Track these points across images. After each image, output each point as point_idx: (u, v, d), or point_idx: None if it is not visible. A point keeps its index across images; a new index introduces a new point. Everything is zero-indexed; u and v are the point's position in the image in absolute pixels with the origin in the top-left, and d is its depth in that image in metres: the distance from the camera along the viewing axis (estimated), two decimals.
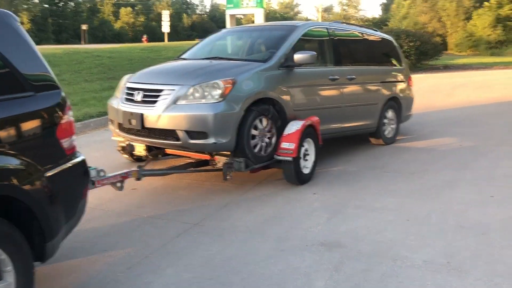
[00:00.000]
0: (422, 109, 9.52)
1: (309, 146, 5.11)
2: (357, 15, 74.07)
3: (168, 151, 5.20)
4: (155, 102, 4.51)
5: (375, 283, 2.94)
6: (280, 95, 4.91)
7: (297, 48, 5.21)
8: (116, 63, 15.57)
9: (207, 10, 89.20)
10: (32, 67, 2.66)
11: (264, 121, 4.75)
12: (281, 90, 4.95)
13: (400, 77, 7.23)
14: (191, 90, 4.44)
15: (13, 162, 2.35)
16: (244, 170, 4.59)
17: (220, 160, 4.70)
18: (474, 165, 5.69)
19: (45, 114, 2.63)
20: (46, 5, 58.35)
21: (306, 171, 5.02)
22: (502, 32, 39.12)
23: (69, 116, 2.81)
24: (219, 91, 4.40)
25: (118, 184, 4.18)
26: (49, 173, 2.57)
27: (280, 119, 4.91)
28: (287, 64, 5.05)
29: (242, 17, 44.39)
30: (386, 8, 68.03)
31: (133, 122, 4.60)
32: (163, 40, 39.17)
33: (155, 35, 59.61)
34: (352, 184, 5.01)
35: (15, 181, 2.32)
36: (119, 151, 5.47)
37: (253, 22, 27.43)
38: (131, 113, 4.62)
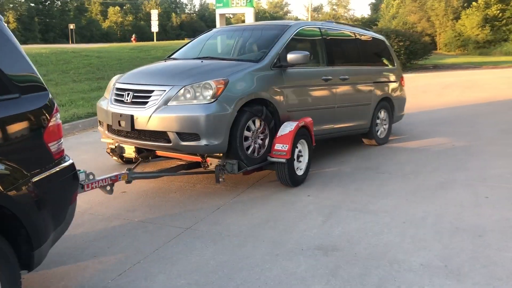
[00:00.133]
0: (413, 109, 9.54)
1: (303, 147, 5.05)
2: (346, 14, 74.36)
3: (159, 153, 5.11)
4: (145, 103, 4.41)
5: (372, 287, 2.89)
6: (273, 95, 4.84)
7: (289, 48, 5.15)
8: (105, 63, 15.41)
9: (196, 10, 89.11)
10: (17, 68, 2.55)
11: (257, 122, 4.67)
12: (274, 91, 4.88)
13: (393, 77, 7.21)
14: (182, 90, 4.35)
15: None
16: (237, 172, 4.51)
17: (212, 162, 4.62)
18: (467, 166, 5.68)
19: (32, 117, 2.53)
20: (33, 4, 57.80)
21: (299, 172, 4.96)
22: (490, 32, 39.57)
23: (56, 119, 2.71)
24: (211, 92, 4.31)
25: (108, 188, 4.09)
26: (36, 178, 2.46)
27: (273, 120, 4.84)
28: (280, 64, 4.98)
29: (231, 16, 44.32)
30: (375, 8, 68.44)
31: (123, 123, 4.50)
32: (152, 40, 39.02)
33: (144, 35, 59.40)
34: (346, 186, 4.96)
35: None
36: (109, 153, 5.36)
37: (243, 21, 27.39)
38: (121, 115, 4.52)
